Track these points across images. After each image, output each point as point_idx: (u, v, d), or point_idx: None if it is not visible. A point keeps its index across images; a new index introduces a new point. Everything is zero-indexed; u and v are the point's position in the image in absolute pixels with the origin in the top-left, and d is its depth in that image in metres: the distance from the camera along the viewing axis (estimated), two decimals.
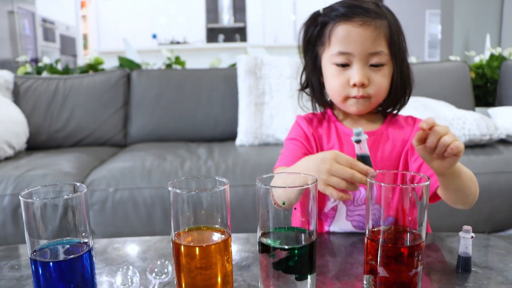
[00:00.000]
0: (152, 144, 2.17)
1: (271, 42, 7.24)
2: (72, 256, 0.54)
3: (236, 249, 0.79)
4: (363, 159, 0.69)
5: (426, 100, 2.08)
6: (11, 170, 1.69)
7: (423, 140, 0.65)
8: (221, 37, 8.00)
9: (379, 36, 0.83)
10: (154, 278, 0.67)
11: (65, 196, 0.53)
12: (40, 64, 2.83)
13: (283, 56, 2.30)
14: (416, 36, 6.48)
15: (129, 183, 1.67)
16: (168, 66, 2.80)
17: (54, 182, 1.63)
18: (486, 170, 1.75)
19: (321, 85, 0.93)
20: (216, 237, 0.56)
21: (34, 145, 2.16)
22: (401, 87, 0.89)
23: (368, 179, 0.57)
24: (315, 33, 0.89)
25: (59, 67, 2.88)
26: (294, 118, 0.99)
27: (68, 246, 0.54)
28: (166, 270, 0.68)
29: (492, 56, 2.64)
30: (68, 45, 6.70)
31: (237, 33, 8.01)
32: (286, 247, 0.54)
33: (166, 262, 0.69)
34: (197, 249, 0.55)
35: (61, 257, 0.54)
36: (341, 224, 0.89)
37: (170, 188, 0.54)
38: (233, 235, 0.72)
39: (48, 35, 6.03)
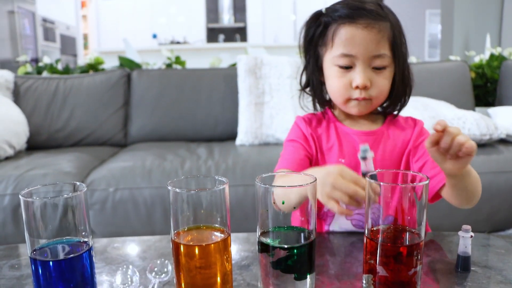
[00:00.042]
0: (152, 144, 2.17)
1: (271, 42, 7.24)
2: (72, 255, 0.54)
3: (236, 249, 0.79)
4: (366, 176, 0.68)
5: (426, 100, 2.08)
6: (11, 170, 1.69)
7: (436, 142, 0.65)
8: (221, 37, 8.01)
9: (383, 38, 0.83)
10: (153, 278, 0.67)
11: (65, 195, 0.53)
12: (40, 64, 2.83)
13: (283, 56, 2.30)
14: (416, 36, 6.48)
15: (129, 183, 1.67)
16: (168, 66, 2.80)
17: (54, 182, 1.63)
18: (486, 170, 1.75)
19: (321, 84, 0.93)
20: (216, 236, 0.56)
21: (34, 145, 2.16)
22: (401, 88, 0.90)
23: (367, 179, 0.57)
24: (317, 33, 0.88)
25: (59, 67, 2.88)
26: (294, 118, 0.99)
27: (68, 245, 0.55)
28: (165, 270, 0.68)
29: (492, 56, 2.64)
30: (68, 45, 6.70)
31: (237, 33, 8.01)
32: (286, 246, 0.54)
33: (166, 261, 0.69)
34: (196, 248, 0.55)
35: (61, 256, 0.54)
36: (340, 223, 0.89)
37: (169, 188, 0.54)
38: (233, 235, 0.72)
39: (49, 35, 6.03)
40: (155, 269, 0.68)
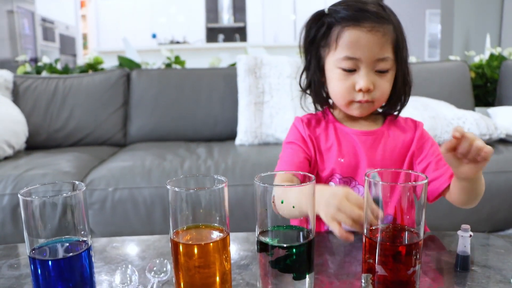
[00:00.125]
0: (151, 144, 2.17)
1: (271, 42, 7.24)
2: (71, 254, 0.54)
3: (235, 248, 0.79)
4: (374, 201, 0.67)
5: (426, 100, 2.08)
6: (11, 170, 1.69)
7: (453, 148, 0.67)
8: (221, 36, 8.00)
9: (387, 42, 0.83)
10: (152, 277, 0.67)
11: (64, 195, 0.53)
12: (39, 64, 2.83)
13: (283, 56, 2.30)
14: (416, 36, 6.48)
15: (128, 183, 1.67)
16: (168, 65, 2.80)
17: (54, 182, 1.63)
18: (486, 170, 1.73)
19: (322, 85, 0.93)
20: (215, 235, 0.56)
21: (34, 145, 2.16)
22: (402, 88, 0.90)
23: (366, 178, 0.57)
24: (319, 34, 0.88)
25: (59, 66, 2.88)
26: (294, 118, 0.99)
27: (67, 244, 0.54)
28: (164, 269, 0.68)
29: (492, 56, 2.64)
30: (67, 44, 6.70)
31: (237, 33, 8.00)
32: (285, 245, 0.54)
33: (165, 260, 0.69)
34: (195, 247, 0.55)
35: (60, 255, 0.54)
36: None
37: (168, 187, 0.54)
38: (232, 234, 0.72)
39: (48, 34, 6.02)
40: (154, 268, 0.68)
